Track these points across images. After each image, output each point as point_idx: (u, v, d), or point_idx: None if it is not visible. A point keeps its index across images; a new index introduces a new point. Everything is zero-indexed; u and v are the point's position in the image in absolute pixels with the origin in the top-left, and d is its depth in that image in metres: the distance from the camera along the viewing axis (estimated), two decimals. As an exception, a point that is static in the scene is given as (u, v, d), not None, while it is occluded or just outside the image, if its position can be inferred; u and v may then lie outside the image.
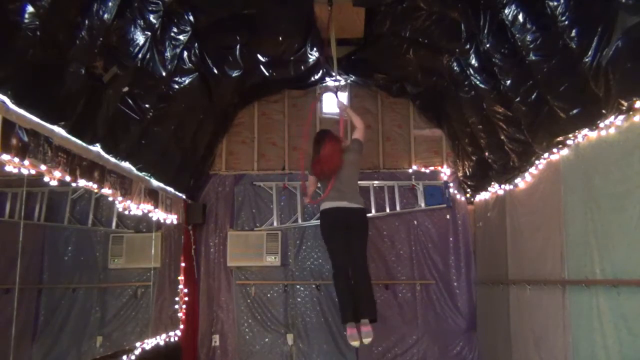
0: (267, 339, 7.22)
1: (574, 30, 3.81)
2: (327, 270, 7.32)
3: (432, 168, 7.55)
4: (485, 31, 4.86)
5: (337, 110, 7.61)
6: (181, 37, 5.00)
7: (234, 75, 6.21)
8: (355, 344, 4.50)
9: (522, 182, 5.67)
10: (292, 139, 7.57)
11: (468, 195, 7.45)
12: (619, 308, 3.74)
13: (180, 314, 6.67)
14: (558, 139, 4.62)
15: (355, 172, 4.92)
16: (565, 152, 4.67)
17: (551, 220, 4.92)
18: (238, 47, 6.00)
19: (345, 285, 4.64)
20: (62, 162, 3.80)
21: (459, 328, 7.23)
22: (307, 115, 6.83)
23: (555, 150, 4.79)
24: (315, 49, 6.19)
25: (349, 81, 7.16)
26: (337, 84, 5.96)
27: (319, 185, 5.09)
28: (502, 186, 6.27)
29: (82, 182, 4.13)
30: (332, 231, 4.72)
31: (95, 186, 4.34)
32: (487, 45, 4.93)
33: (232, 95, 6.83)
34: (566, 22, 3.83)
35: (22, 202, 4.04)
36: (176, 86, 5.37)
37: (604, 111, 3.82)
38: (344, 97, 7.72)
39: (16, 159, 3.29)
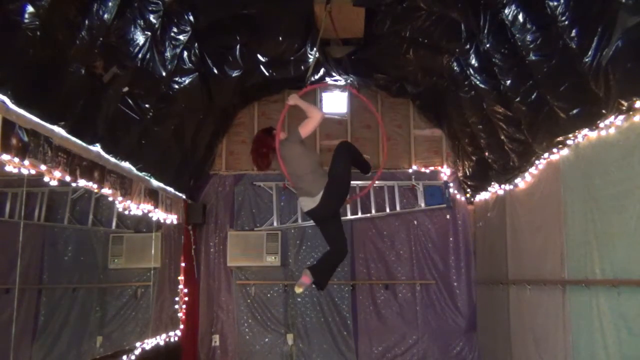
0: (267, 339, 7.22)
1: (574, 30, 3.81)
2: (327, 270, 7.33)
3: (432, 168, 7.55)
4: (485, 31, 4.86)
5: (338, 110, 7.71)
6: (181, 37, 5.00)
7: (234, 75, 6.21)
8: (299, 290, 4.51)
9: (522, 182, 5.67)
10: (292, 139, 7.57)
11: (468, 195, 7.45)
12: (619, 308, 3.74)
13: (180, 314, 6.67)
14: (558, 139, 4.62)
15: (303, 163, 4.54)
16: (565, 152, 4.67)
17: (551, 220, 4.92)
18: (238, 47, 6.00)
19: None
20: (62, 162, 3.80)
21: (459, 328, 7.24)
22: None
23: (555, 150, 4.78)
24: (315, 49, 6.18)
25: (348, 81, 7.16)
26: (311, 79, 5.74)
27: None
28: (502, 186, 6.27)
29: (82, 182, 4.13)
30: (316, 225, 4.91)
31: (95, 186, 4.34)
32: (487, 45, 4.93)
33: (232, 95, 6.83)
34: (566, 22, 3.83)
35: (22, 202, 4.04)
36: (176, 86, 5.37)
37: (604, 111, 3.83)
38: (343, 97, 7.75)
39: (16, 159, 3.29)
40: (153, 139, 5.33)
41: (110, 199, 4.77)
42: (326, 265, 4.68)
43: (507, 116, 5.36)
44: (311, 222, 7.35)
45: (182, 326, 6.69)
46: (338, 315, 7.26)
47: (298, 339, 7.22)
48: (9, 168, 3.31)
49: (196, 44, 5.44)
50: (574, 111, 4.23)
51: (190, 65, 5.42)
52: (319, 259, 4.80)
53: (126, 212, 5.21)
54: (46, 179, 3.70)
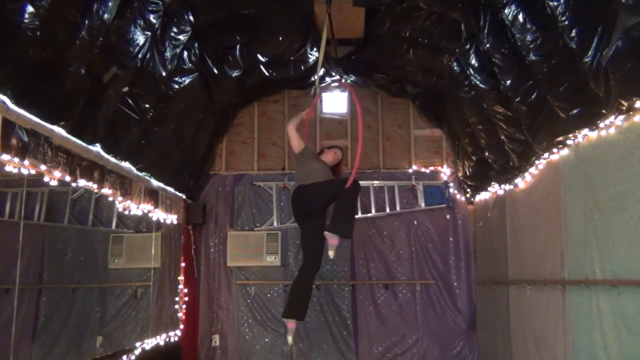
0: (267, 339, 7.22)
1: (574, 30, 3.81)
2: (327, 270, 7.33)
3: (432, 168, 7.55)
4: (485, 31, 4.86)
5: (337, 110, 7.71)
6: (181, 37, 5.00)
7: (234, 75, 6.21)
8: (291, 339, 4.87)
9: (522, 182, 5.67)
10: (292, 139, 7.57)
11: (468, 195, 7.45)
12: (619, 308, 3.74)
13: (180, 314, 6.67)
14: (558, 139, 4.62)
15: (300, 172, 5.12)
16: (565, 152, 4.67)
17: (551, 220, 4.92)
18: (238, 47, 6.00)
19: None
20: (62, 162, 3.80)
21: (459, 328, 7.23)
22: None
23: (555, 150, 4.78)
24: (315, 49, 6.19)
25: (348, 81, 7.16)
26: (315, 86, 5.52)
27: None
28: (502, 186, 6.27)
29: (82, 182, 4.13)
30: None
31: (95, 186, 4.34)
32: (487, 45, 4.93)
33: (232, 95, 6.83)
34: (566, 22, 3.83)
35: (22, 202, 4.03)
36: (176, 86, 5.37)
37: (604, 111, 3.83)
38: (343, 97, 7.75)
39: (16, 159, 3.29)
40: (153, 139, 5.33)
41: (110, 199, 4.77)
42: (296, 296, 4.81)
43: (507, 116, 5.36)
44: (311, 222, 7.40)
45: (182, 326, 6.69)
46: (338, 315, 7.25)
47: (298, 339, 7.22)
48: (9, 168, 3.31)
49: (196, 44, 5.44)
50: (574, 111, 4.23)
51: (190, 65, 5.43)
52: (288, 299, 4.99)
53: (126, 212, 5.21)
54: (46, 179, 3.70)
